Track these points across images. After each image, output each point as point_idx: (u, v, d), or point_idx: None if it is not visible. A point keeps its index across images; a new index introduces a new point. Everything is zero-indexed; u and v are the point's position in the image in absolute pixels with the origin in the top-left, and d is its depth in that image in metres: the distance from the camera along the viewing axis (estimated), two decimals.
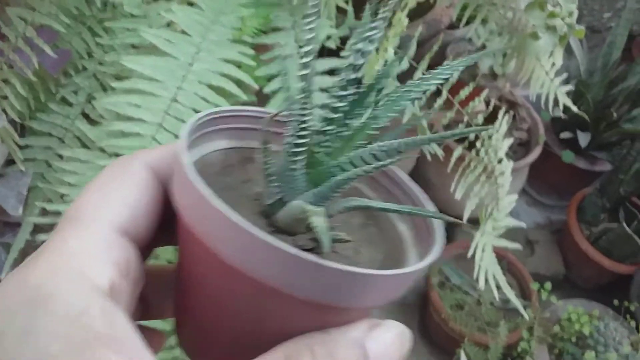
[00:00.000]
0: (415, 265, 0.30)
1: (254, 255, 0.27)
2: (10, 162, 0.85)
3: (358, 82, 0.32)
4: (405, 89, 0.32)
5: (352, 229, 0.35)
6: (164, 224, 0.33)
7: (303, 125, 0.30)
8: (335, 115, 0.31)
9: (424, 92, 0.32)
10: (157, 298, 0.36)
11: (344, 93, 0.31)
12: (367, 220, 0.36)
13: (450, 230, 1.81)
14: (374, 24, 0.31)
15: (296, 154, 0.31)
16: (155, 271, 0.36)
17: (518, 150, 1.78)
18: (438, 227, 0.33)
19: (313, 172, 0.32)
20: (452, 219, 0.33)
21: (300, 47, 0.31)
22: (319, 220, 0.28)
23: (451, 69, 0.32)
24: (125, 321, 0.27)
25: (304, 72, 0.31)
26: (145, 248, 0.32)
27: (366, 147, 0.31)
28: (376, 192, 0.38)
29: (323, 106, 0.32)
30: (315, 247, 0.31)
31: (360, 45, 0.31)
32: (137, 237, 0.31)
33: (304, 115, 0.29)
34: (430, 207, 0.35)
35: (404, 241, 0.36)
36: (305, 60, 0.30)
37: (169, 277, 0.37)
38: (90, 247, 0.28)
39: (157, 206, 0.32)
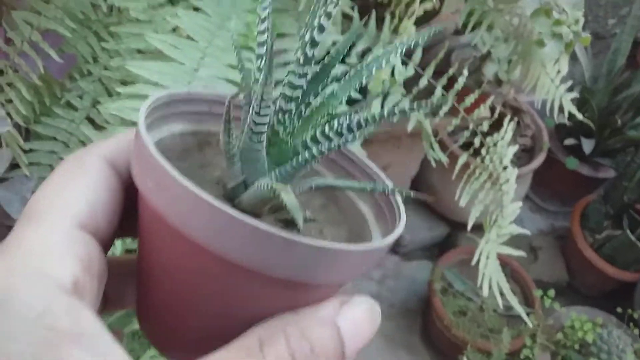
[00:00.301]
0: (383, 240, 0.30)
1: (223, 233, 0.26)
2: (14, 166, 0.84)
3: (321, 60, 0.32)
4: (363, 66, 0.32)
5: (314, 210, 0.35)
6: (124, 215, 0.32)
7: (264, 103, 0.29)
8: (295, 93, 0.31)
9: (380, 67, 0.31)
10: (115, 289, 0.35)
11: (303, 70, 0.30)
12: (327, 201, 0.36)
13: (454, 236, 1.81)
14: (333, 6, 0.29)
15: (258, 132, 0.30)
16: (112, 262, 0.34)
17: (522, 156, 1.77)
18: (400, 203, 0.33)
19: (275, 152, 0.32)
20: (416, 194, 0.32)
21: (257, 25, 0.30)
22: (289, 197, 0.27)
23: (405, 43, 0.31)
24: (92, 317, 0.26)
25: (260, 50, 0.30)
26: (107, 241, 0.31)
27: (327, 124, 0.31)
28: (335, 173, 0.37)
29: (283, 84, 0.31)
30: (282, 228, 0.31)
31: (317, 21, 0.30)
32: (98, 231, 0.30)
33: (264, 92, 0.28)
34: (388, 182, 0.35)
35: (366, 220, 0.35)
36: (261, 38, 0.30)
37: (126, 267, 0.36)
38: (50, 244, 0.27)
39: (116, 198, 0.31)
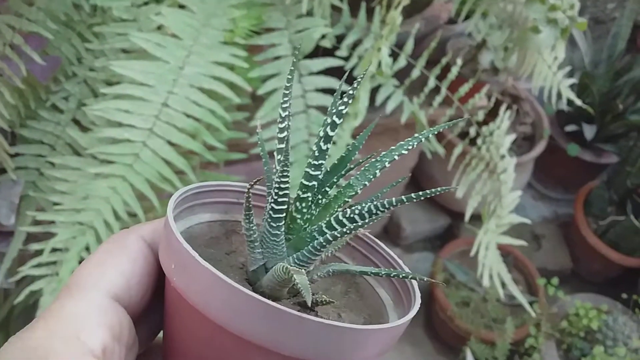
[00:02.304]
0: (392, 322, 0.31)
1: (237, 311, 0.28)
2: (1, 171, 0.84)
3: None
4: (376, 160, 0.34)
5: (335, 296, 0.36)
6: (160, 292, 0.35)
7: (281, 192, 0.32)
8: (311, 183, 0.33)
9: (392, 160, 0.34)
10: None
11: (318, 162, 0.33)
12: (349, 288, 0.38)
13: (455, 227, 1.80)
14: (343, 100, 0.32)
15: (276, 219, 0.32)
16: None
17: (522, 144, 1.76)
18: (415, 289, 0.35)
19: (294, 238, 0.34)
20: (428, 280, 0.34)
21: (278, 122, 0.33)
22: (300, 277, 0.29)
23: (418, 139, 0.33)
24: None
25: (280, 145, 0.33)
26: (139, 315, 0.34)
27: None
28: (355, 260, 0.39)
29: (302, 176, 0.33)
30: (299, 311, 0.32)
31: (331, 119, 0.33)
32: (131, 304, 0.33)
33: (281, 181, 0.31)
34: (405, 269, 0.36)
35: (384, 305, 0.37)
36: (281, 135, 0.33)
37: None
38: (85, 313, 0.31)
39: (150, 275, 0.34)
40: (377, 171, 0.34)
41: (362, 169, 0.35)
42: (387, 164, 0.34)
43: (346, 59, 0.96)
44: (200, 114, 0.80)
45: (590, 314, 1.54)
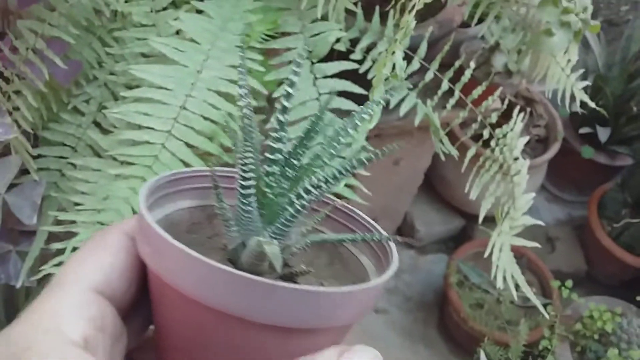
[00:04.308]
0: (365, 283, 0.32)
1: (207, 283, 0.29)
2: (24, 171, 0.86)
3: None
4: (341, 128, 0.35)
5: (319, 268, 0.37)
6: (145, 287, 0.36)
7: (245, 168, 0.32)
8: (275, 157, 0.34)
9: (356, 127, 0.35)
10: None
11: (278, 135, 0.34)
12: (332, 259, 0.38)
13: (469, 229, 1.80)
14: (294, 75, 0.33)
15: (246, 195, 0.33)
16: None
17: (536, 146, 1.76)
18: (393, 250, 0.35)
19: (267, 213, 0.35)
20: (402, 239, 0.35)
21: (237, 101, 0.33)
22: (270, 248, 0.30)
23: (377, 102, 0.36)
24: None
25: (241, 123, 0.34)
26: (125, 306, 0.35)
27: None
28: (336, 231, 0.40)
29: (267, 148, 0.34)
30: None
31: (285, 90, 0.33)
32: (115, 296, 0.34)
33: (245, 157, 0.32)
34: (383, 233, 0.37)
35: (367, 271, 0.37)
36: (243, 112, 0.34)
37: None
38: (66, 306, 0.31)
39: (133, 267, 0.35)
40: (341, 138, 0.35)
41: (327, 138, 0.36)
42: (350, 130, 0.35)
43: (360, 62, 0.97)
44: (218, 117, 0.82)
45: (604, 316, 1.54)
